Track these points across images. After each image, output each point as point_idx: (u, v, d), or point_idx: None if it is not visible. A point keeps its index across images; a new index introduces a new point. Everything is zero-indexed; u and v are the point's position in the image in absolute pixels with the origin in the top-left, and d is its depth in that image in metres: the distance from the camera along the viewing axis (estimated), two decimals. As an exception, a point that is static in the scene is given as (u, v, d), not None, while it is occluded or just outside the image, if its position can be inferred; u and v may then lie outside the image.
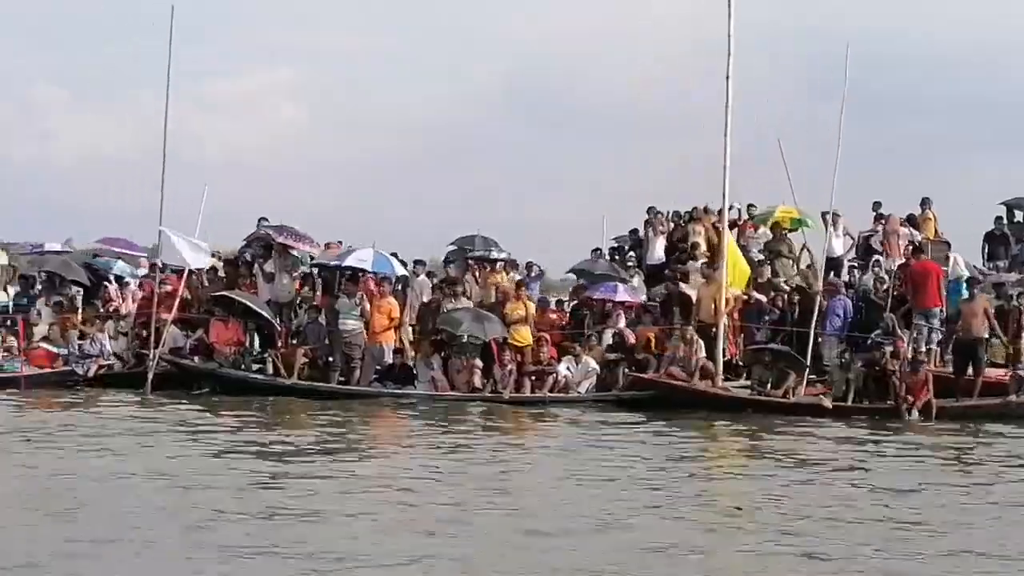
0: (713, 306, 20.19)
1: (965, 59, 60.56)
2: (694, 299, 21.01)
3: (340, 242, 23.20)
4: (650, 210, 25.80)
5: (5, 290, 24.04)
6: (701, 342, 19.69)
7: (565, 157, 60.92)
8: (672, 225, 25.61)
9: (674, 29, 68.21)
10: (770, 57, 57.30)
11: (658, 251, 25.08)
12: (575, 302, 23.13)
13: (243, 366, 20.79)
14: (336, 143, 65.54)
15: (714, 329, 20.01)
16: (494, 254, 26.15)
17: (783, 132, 22.10)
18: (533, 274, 27.12)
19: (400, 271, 21.83)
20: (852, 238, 25.10)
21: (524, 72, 67.36)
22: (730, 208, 26.21)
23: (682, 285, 21.81)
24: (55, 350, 21.48)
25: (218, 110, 68.74)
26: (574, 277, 26.11)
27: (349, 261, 21.21)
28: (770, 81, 59.02)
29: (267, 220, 22.97)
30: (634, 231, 26.62)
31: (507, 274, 24.09)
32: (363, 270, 21.22)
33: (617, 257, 26.81)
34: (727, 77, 20.07)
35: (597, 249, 26.85)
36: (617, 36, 69.46)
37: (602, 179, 54.90)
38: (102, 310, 22.42)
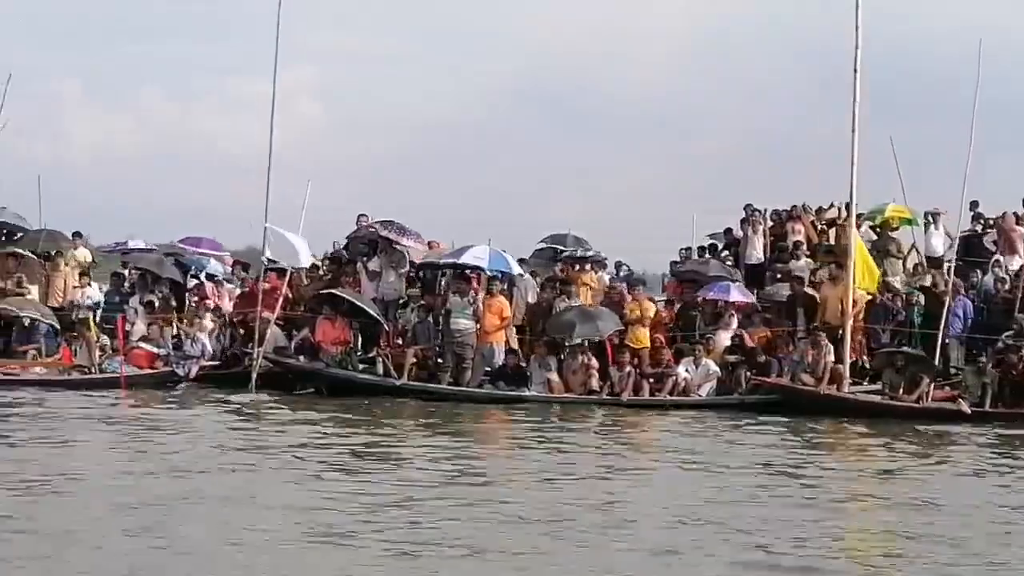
0: (840, 308, 19.55)
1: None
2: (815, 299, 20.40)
3: (430, 242, 22.59)
4: (747, 207, 25.13)
5: (94, 287, 23.52)
6: (831, 345, 19.05)
7: (577, 155, 60.07)
8: (771, 223, 24.98)
9: (678, 27, 67.58)
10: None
11: (758, 250, 24.42)
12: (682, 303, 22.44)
13: (349, 366, 20.17)
14: (350, 141, 64.51)
15: (840, 331, 19.38)
16: (580, 253, 25.68)
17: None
18: (622, 274, 26.54)
19: (517, 269, 21.19)
20: (951, 237, 24.48)
21: (535, 71, 66.67)
22: (829, 206, 25.86)
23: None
24: (155, 350, 20.88)
25: (236, 108, 67.90)
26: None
27: (465, 259, 20.57)
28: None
29: (366, 216, 22.38)
30: (728, 230, 25.96)
31: (596, 274, 23.50)
32: (479, 267, 20.57)
33: (708, 256, 26.18)
34: (855, 71, 19.46)
35: (687, 248, 26.25)
36: (623, 34, 68.64)
37: (613, 178, 54.19)
38: (197, 309, 21.76)
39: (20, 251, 23.22)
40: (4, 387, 19.84)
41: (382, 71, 69.51)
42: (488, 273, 20.52)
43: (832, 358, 19.04)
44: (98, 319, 22.41)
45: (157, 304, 22.18)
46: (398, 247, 21.08)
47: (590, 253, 25.47)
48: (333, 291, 20.64)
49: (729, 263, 24.40)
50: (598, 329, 19.75)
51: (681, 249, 26.57)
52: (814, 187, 27.89)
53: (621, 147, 61.41)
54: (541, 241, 26.05)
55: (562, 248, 25.59)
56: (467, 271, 20.75)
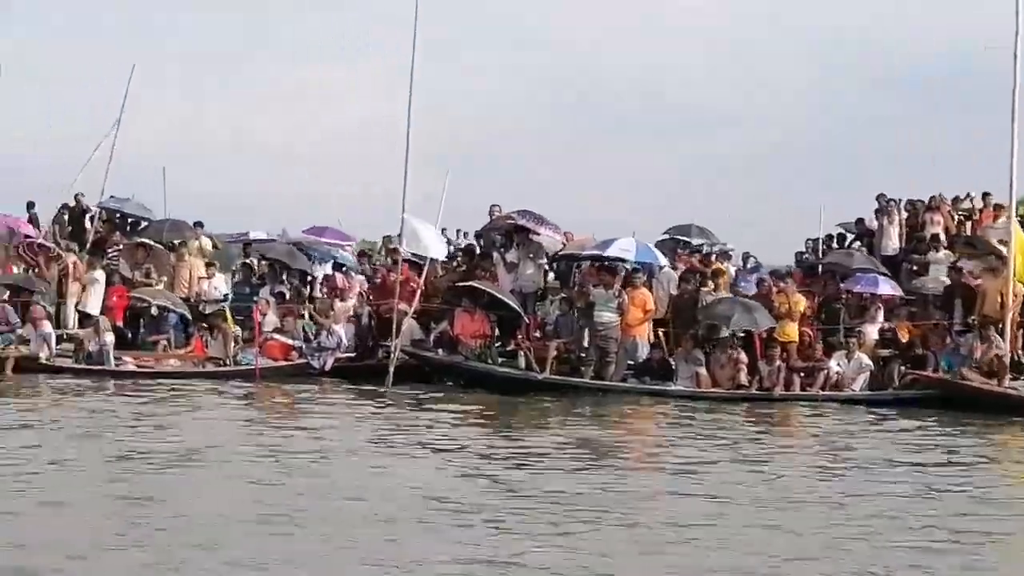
0: (999, 300, 18.87)
1: None
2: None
3: (565, 232, 22.10)
4: (880, 197, 24.46)
5: (219, 277, 23.34)
6: (1000, 339, 18.39)
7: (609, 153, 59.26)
8: (906, 214, 24.30)
9: (710, 26, 66.55)
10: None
11: (894, 241, 23.75)
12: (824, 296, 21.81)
13: (489, 359, 19.76)
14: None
15: (1000, 324, 18.71)
16: (707, 245, 25.17)
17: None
18: (749, 265, 25.94)
19: (663, 261, 20.68)
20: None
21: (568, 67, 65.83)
22: (965, 197, 25.14)
23: (966, 277, 20.43)
24: (289, 341, 20.58)
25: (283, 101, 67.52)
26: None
27: (611, 251, 20.08)
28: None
29: (499, 207, 21.96)
30: (860, 220, 25.28)
31: (722, 266, 22.94)
32: (623, 260, 20.10)
33: (835, 246, 25.54)
34: (1015, 56, 18.77)
35: (814, 239, 25.62)
36: (660, 31, 67.62)
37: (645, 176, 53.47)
38: (331, 300, 21.43)
39: (149, 242, 23.02)
40: (140, 379, 19.73)
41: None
42: (631, 266, 20.02)
43: (1000, 351, 18.35)
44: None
45: (288, 295, 21.91)
46: (535, 238, 20.62)
47: (717, 246, 24.99)
48: (472, 283, 20.22)
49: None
50: (755, 322, 19.19)
51: (808, 240, 25.97)
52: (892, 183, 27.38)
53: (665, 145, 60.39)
54: (664, 233, 25.52)
55: (686, 240, 25.09)
56: (608, 263, 20.21)
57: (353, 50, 72.91)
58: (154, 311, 21.61)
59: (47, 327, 20.34)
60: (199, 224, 24.90)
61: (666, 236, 25.34)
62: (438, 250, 20.54)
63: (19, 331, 20.44)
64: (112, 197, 24.67)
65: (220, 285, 23.13)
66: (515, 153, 56.94)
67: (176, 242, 23.57)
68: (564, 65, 67.73)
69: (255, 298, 22.04)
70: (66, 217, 26.10)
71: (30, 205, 26.21)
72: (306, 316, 21.02)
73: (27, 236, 24.15)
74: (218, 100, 61.93)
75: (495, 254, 20.94)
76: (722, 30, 66.91)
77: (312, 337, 20.52)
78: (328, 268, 23.89)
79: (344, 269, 23.23)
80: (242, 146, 58.61)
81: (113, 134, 23.99)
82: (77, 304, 22.22)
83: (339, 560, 8.91)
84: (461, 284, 20.40)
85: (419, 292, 20.32)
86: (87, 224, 25.67)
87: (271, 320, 20.94)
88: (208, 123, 59.41)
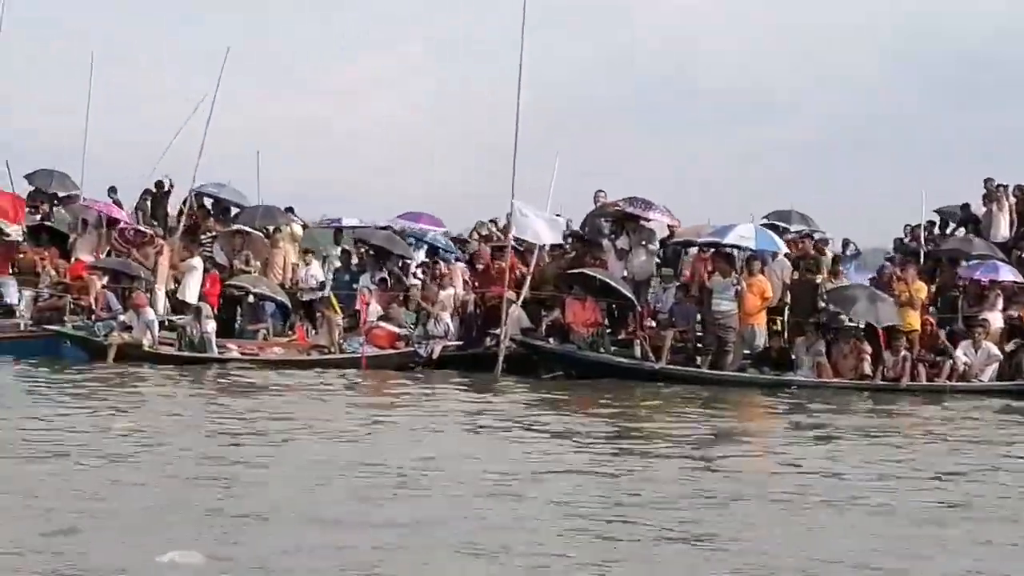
0: None
1: None
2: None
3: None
4: (988, 182, 23.78)
5: (315, 264, 22.98)
6: None
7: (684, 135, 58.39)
8: (1014, 200, 23.63)
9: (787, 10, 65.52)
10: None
11: (1003, 228, 23.09)
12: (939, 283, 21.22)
13: (602, 348, 19.31)
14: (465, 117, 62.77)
15: None
16: (807, 230, 24.56)
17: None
18: (849, 252, 25.41)
19: (783, 248, 20.15)
20: None
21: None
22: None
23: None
24: (395, 329, 20.19)
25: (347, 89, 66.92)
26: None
27: (730, 238, 19.53)
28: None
29: (604, 192, 21.47)
30: (966, 206, 24.62)
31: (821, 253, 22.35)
32: (742, 247, 19.57)
33: (936, 232, 24.92)
34: None
35: (915, 225, 24.98)
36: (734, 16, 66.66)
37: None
38: (437, 287, 21.00)
39: (247, 228, 22.67)
40: (245, 367, 19.41)
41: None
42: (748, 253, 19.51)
43: None
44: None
45: (389, 282, 21.52)
46: (646, 224, 20.13)
47: (818, 233, 24.41)
48: (584, 270, 19.76)
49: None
50: (878, 315, 18.55)
51: (906, 226, 25.34)
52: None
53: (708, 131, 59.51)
54: (764, 218, 24.95)
55: (785, 226, 24.50)
56: (727, 250, 19.68)
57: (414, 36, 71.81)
58: (250, 299, 21.30)
59: (150, 313, 20.04)
60: (290, 210, 24.56)
61: (765, 222, 24.78)
62: (550, 236, 20.07)
63: (121, 318, 20.16)
64: (209, 183, 24.29)
65: (317, 272, 22.75)
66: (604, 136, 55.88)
67: (270, 228, 23.22)
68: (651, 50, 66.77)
69: (355, 285, 21.71)
70: (148, 203, 25.90)
71: (112, 190, 25.94)
72: (409, 303, 20.62)
73: (119, 221, 23.98)
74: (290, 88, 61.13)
75: (605, 241, 20.43)
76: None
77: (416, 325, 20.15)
78: (422, 255, 23.52)
79: (441, 255, 22.79)
80: (317, 133, 57.87)
81: (206, 118, 23.58)
82: (168, 290, 21.97)
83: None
84: (572, 272, 19.92)
85: (528, 279, 19.88)
86: (169, 209, 25.47)
87: (375, 308, 20.54)
88: (275, 110, 58.81)
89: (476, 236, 25.05)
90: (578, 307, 19.50)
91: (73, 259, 23.24)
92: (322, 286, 22.35)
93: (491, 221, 25.94)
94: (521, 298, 19.74)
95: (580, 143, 54.00)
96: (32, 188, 26.60)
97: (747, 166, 52.97)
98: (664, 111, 64.06)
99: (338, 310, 20.36)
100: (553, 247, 20.86)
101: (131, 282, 21.13)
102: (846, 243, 25.13)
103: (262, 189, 25.49)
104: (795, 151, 56.43)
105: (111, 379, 17.89)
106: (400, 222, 24.36)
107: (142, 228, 22.96)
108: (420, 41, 72.45)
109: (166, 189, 25.76)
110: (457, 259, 23.11)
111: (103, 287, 20.81)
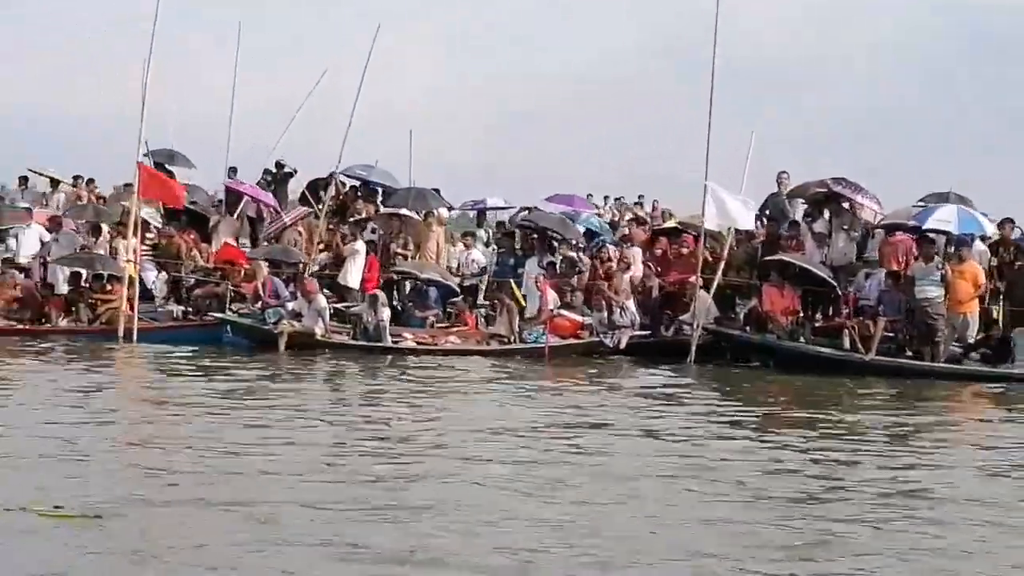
0: None
1: None
2: None
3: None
4: None
5: (477, 249, 22.05)
6: None
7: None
8: None
9: None
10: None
11: None
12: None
13: (801, 337, 18.31)
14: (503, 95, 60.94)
15: None
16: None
17: None
18: (1015, 236, 24.29)
19: (991, 230, 19.09)
20: None
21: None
22: None
23: None
24: (578, 318, 19.23)
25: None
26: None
27: (929, 223, 18.50)
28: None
29: (787, 174, 20.44)
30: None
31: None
32: (943, 232, 18.55)
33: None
34: None
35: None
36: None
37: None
38: (615, 272, 19.99)
39: (406, 211, 21.71)
40: (421, 356, 18.51)
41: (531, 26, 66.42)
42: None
43: None
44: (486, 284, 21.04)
45: (560, 267, 20.53)
46: (847, 206, 19.09)
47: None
48: (783, 256, 18.76)
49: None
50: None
51: None
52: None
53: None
54: (920, 200, 23.89)
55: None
56: (929, 234, 18.63)
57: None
58: (408, 284, 20.40)
59: (322, 301, 19.14)
60: (436, 192, 23.62)
61: (921, 205, 23.72)
62: (745, 220, 19.06)
63: (291, 305, 19.25)
64: (357, 165, 23.32)
65: (478, 257, 21.83)
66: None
67: (423, 212, 22.24)
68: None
69: (519, 270, 20.75)
70: (270, 182, 24.98)
71: (232, 171, 25.10)
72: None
73: (267, 204, 23.15)
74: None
75: (802, 224, 19.41)
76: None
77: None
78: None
79: (600, 239, 21.74)
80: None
81: (355, 97, 22.56)
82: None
83: None
84: (769, 259, 18.90)
85: (720, 265, 18.90)
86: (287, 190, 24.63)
87: (553, 295, 19.56)
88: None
89: (625, 219, 24.16)
90: (775, 294, 18.52)
91: (215, 243, 22.40)
92: (483, 271, 21.41)
93: (636, 203, 25.04)
94: (715, 285, 18.74)
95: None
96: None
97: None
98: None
99: (521, 299, 19.40)
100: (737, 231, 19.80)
101: (291, 268, 20.24)
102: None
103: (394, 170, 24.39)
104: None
105: (309, 368, 17.05)
106: (549, 205, 23.42)
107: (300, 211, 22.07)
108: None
109: (286, 170, 24.87)
110: (611, 243, 22.12)
111: (272, 273, 19.82)
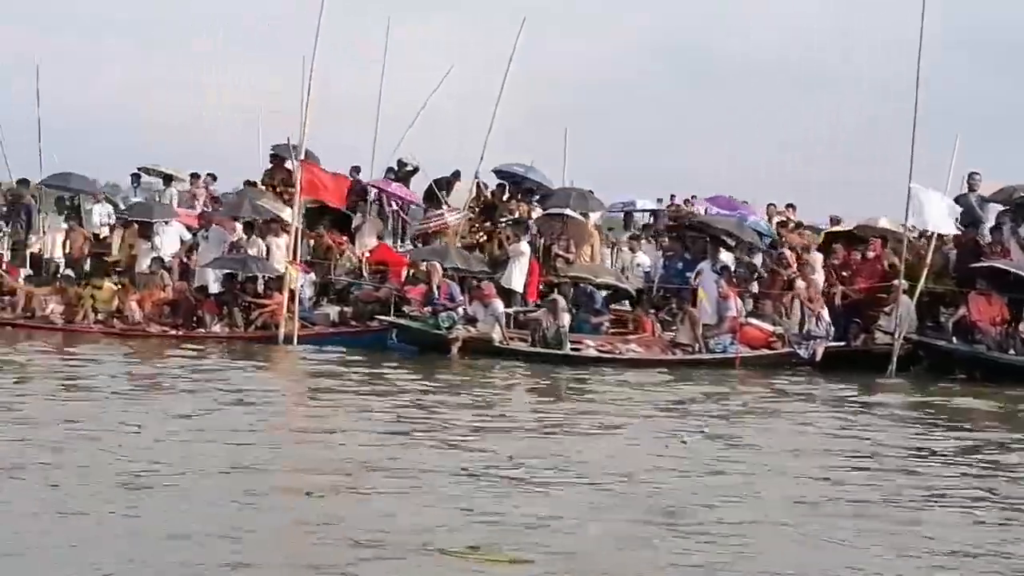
0: None
1: None
2: None
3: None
4: None
5: (641, 253, 21.11)
6: None
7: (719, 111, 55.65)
8: None
9: None
10: None
11: None
12: None
13: (1012, 349, 17.32)
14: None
15: None
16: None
17: None
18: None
19: None
20: None
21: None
22: None
23: None
24: (769, 327, 18.28)
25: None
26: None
27: None
28: None
29: (979, 175, 19.39)
30: None
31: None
32: None
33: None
34: None
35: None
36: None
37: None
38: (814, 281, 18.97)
39: (568, 212, 20.75)
40: (602, 365, 17.60)
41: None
42: None
43: None
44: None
45: (736, 272, 19.54)
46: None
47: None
48: (993, 263, 17.76)
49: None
50: None
51: None
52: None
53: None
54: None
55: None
56: None
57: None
58: (568, 289, 19.45)
59: (499, 305, 18.25)
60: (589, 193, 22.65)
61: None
62: (947, 225, 18.07)
63: (465, 309, 18.35)
64: (514, 163, 22.41)
65: (644, 261, 20.89)
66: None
67: (580, 213, 21.29)
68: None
69: (687, 275, 19.80)
70: (392, 180, 24.13)
71: (355, 170, 24.23)
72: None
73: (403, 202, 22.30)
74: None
75: (1004, 229, 18.41)
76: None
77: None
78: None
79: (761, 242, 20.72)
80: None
81: (498, 93, 21.68)
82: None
83: None
84: (977, 265, 17.90)
85: (925, 271, 17.93)
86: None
87: (737, 302, 18.57)
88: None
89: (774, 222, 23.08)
90: (983, 303, 17.54)
91: (358, 243, 21.54)
92: (648, 276, 20.49)
93: (788, 205, 24.06)
94: (918, 292, 17.78)
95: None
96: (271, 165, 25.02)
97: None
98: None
99: (704, 300, 18.47)
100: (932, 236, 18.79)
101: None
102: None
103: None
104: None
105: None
106: (710, 206, 22.45)
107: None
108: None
109: (408, 168, 24.01)
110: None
111: (446, 276, 18.89)
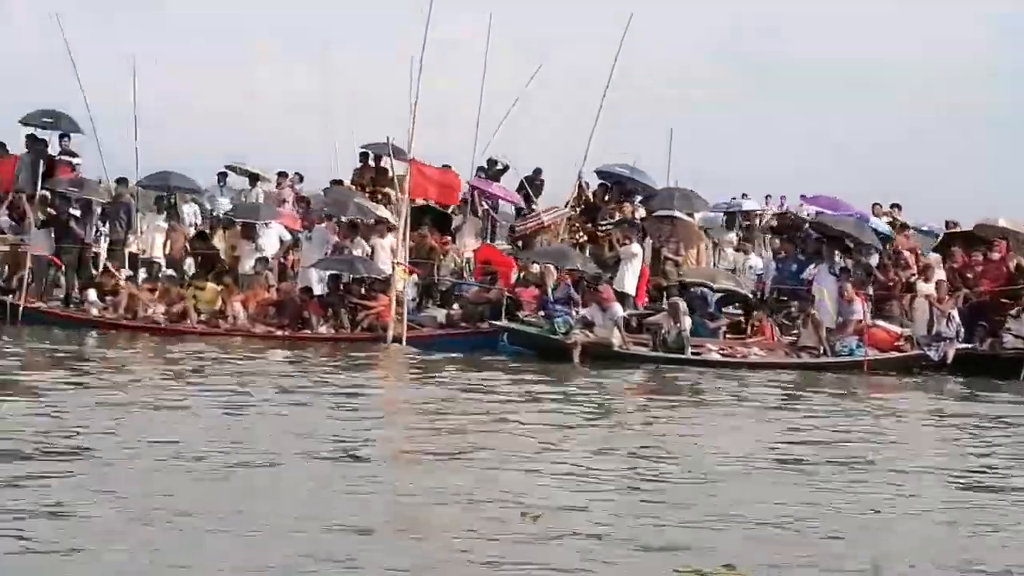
0: None
1: None
2: None
3: None
4: None
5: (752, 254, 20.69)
6: None
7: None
8: None
9: None
10: None
11: None
12: None
13: None
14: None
15: None
16: None
17: None
18: None
19: None
20: None
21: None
22: None
23: None
24: (897, 330, 17.84)
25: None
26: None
27: None
28: None
29: None
30: None
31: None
32: None
33: None
34: None
35: None
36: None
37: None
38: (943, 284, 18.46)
39: (677, 214, 20.31)
40: (725, 369, 17.18)
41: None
42: None
43: None
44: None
45: (854, 274, 19.03)
46: None
47: None
48: None
49: None
50: None
51: None
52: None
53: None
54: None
55: None
56: None
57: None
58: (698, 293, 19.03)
59: (618, 309, 17.84)
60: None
61: None
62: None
63: (582, 312, 17.93)
64: (615, 163, 21.93)
65: (756, 263, 20.46)
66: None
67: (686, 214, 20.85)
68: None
69: (802, 276, 19.36)
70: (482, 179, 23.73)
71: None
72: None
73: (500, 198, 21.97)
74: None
75: None
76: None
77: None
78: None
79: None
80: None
81: (604, 89, 21.26)
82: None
83: None
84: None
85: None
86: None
87: (858, 306, 18.12)
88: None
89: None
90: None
91: (459, 244, 21.14)
92: (759, 278, 20.04)
93: (894, 205, 23.55)
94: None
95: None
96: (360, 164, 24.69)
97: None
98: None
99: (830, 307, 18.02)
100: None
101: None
102: None
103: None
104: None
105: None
106: (810, 206, 21.97)
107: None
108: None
109: (499, 167, 23.60)
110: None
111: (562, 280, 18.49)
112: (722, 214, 23.04)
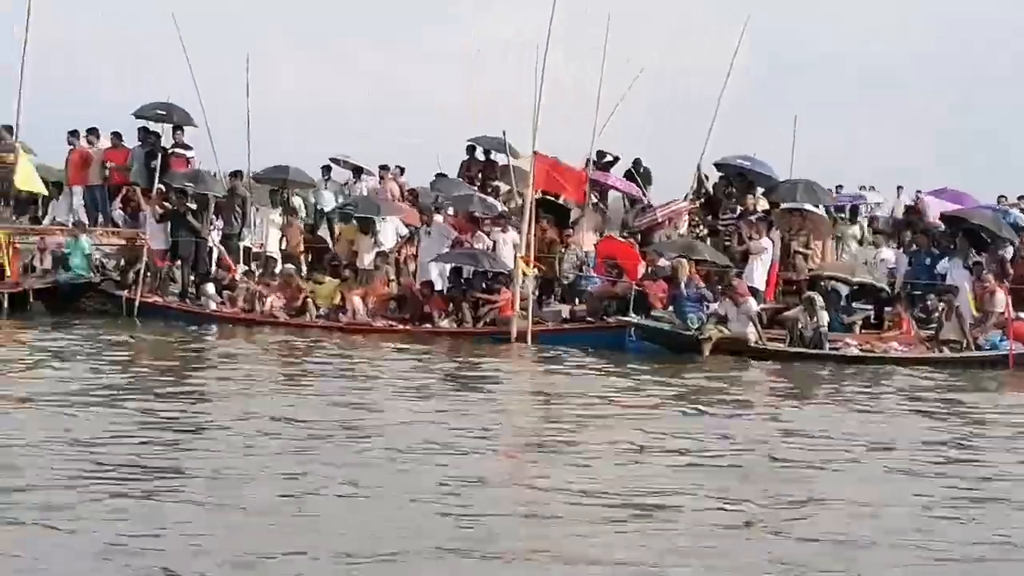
0: None
1: None
2: None
3: None
4: None
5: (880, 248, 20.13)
6: None
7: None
8: None
9: None
10: None
11: None
12: None
13: None
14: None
15: None
16: None
17: None
18: None
19: None
20: None
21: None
22: None
23: None
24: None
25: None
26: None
27: None
28: None
29: None
30: None
31: None
32: None
33: None
34: None
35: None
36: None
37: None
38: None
39: (807, 207, 19.77)
40: (866, 364, 16.65)
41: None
42: None
43: None
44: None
45: (987, 269, 18.35)
46: None
47: None
48: None
49: None
50: None
51: None
52: None
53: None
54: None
55: None
56: None
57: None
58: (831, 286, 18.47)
59: (753, 304, 17.34)
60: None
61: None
62: None
63: (714, 307, 17.46)
64: (736, 156, 21.38)
65: (887, 256, 19.92)
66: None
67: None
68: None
69: (935, 270, 18.76)
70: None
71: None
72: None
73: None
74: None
75: None
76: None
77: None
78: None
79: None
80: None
81: (722, 85, 20.83)
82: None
83: None
84: None
85: None
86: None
87: (1001, 298, 17.50)
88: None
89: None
90: None
91: (580, 237, 20.73)
92: (891, 273, 19.44)
93: (1021, 197, 22.90)
94: None
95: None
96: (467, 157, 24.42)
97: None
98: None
99: (973, 301, 17.43)
100: None
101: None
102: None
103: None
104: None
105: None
106: (936, 200, 21.35)
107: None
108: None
109: (608, 159, 23.17)
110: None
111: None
112: (847, 206, 22.40)
